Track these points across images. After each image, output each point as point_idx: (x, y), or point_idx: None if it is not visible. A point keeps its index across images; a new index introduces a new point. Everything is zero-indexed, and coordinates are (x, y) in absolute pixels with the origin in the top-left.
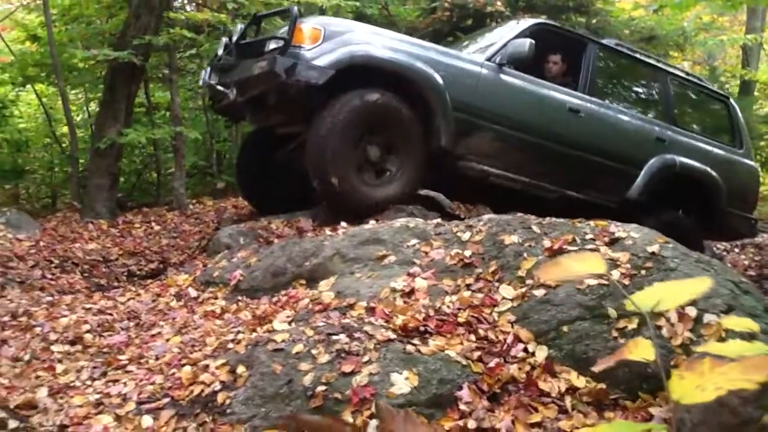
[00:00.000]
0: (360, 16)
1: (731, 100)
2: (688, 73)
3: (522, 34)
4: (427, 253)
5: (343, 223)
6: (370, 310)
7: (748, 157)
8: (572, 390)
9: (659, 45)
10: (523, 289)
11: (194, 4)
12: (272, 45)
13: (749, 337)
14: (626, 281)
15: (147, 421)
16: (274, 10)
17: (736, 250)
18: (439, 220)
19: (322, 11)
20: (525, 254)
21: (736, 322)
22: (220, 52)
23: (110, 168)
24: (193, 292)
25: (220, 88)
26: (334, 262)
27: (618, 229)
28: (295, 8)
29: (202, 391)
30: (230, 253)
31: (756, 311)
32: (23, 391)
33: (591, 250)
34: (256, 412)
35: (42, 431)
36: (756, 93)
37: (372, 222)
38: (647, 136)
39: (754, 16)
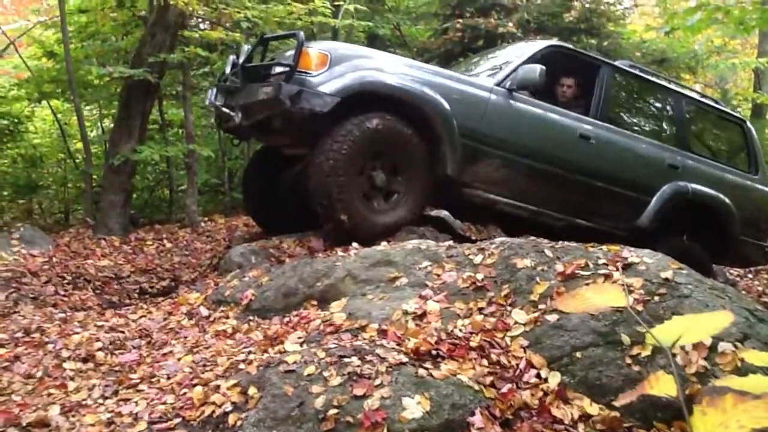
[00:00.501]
0: (372, 37)
1: (747, 124)
2: (703, 95)
3: (533, 57)
4: (439, 275)
5: (355, 244)
6: (382, 333)
7: (764, 182)
8: (585, 417)
9: (671, 67)
10: (536, 314)
11: (208, 22)
12: (278, 69)
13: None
14: (640, 307)
15: None
16: (281, 33)
17: (750, 276)
18: (450, 242)
19: (335, 31)
20: (537, 278)
21: (755, 356)
22: (228, 69)
23: (124, 184)
24: (204, 311)
25: (225, 110)
26: (346, 283)
27: (631, 254)
28: (302, 33)
29: (213, 411)
30: (242, 272)
31: None
32: (35, 409)
33: (604, 275)
34: None
35: None
36: None
37: (384, 243)
38: (660, 162)
39: (766, 40)
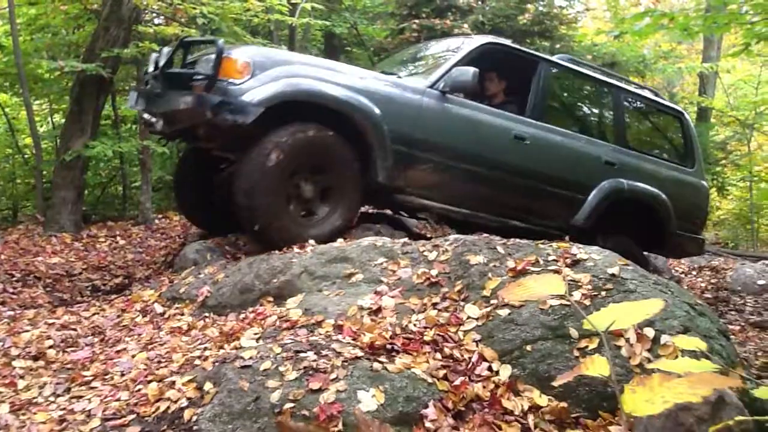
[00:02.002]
0: (329, 36)
1: (686, 116)
2: (642, 87)
3: (468, 56)
4: (394, 271)
5: (311, 241)
6: (338, 328)
7: (699, 176)
8: (535, 408)
9: (620, 71)
10: (488, 309)
11: (163, 18)
12: (201, 75)
13: (701, 355)
14: (587, 302)
15: None
16: (201, 38)
17: (694, 273)
18: (406, 239)
19: (292, 29)
20: (490, 274)
21: (686, 341)
22: (151, 69)
23: (75, 181)
24: (159, 308)
25: (146, 116)
26: (302, 279)
27: (580, 251)
28: (221, 41)
29: (169, 407)
30: (197, 269)
31: (711, 333)
32: None
33: (554, 271)
34: (224, 429)
35: None
36: (712, 119)
37: (340, 240)
38: (596, 160)
39: (710, 46)
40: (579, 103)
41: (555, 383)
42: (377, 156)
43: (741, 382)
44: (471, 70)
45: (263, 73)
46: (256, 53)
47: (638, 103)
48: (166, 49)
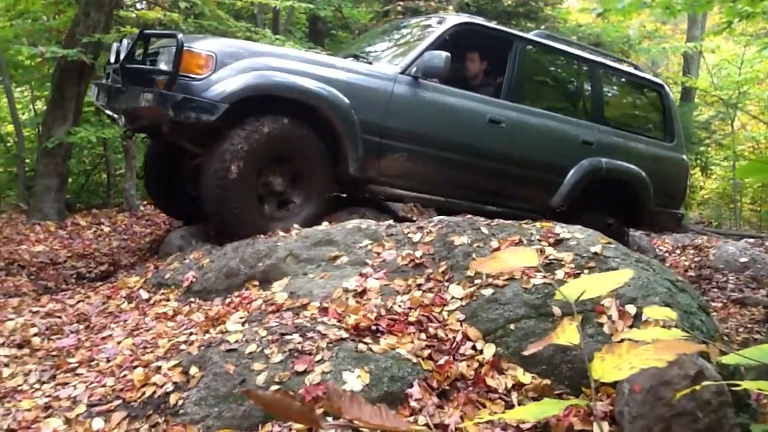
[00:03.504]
0: (314, 19)
1: (666, 89)
2: (620, 60)
3: (441, 38)
4: (378, 253)
5: (296, 224)
6: (323, 310)
7: (679, 150)
8: (518, 386)
9: (606, 51)
10: (472, 289)
11: (145, 2)
12: (161, 71)
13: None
14: (569, 280)
15: (98, 423)
16: (161, 31)
17: (678, 251)
18: (390, 221)
19: (276, 13)
20: (474, 255)
21: (656, 311)
22: (112, 60)
23: (59, 168)
24: (144, 294)
25: (108, 112)
26: (287, 263)
27: (563, 230)
28: (181, 35)
29: (155, 392)
30: (182, 255)
31: (691, 308)
32: None
33: (537, 250)
34: (209, 412)
35: None
36: (696, 99)
37: (325, 224)
38: (573, 140)
39: (694, 26)
40: (556, 81)
41: (525, 352)
42: (347, 147)
43: (714, 350)
44: (443, 55)
45: (227, 67)
46: (219, 46)
47: (617, 77)
48: (125, 41)
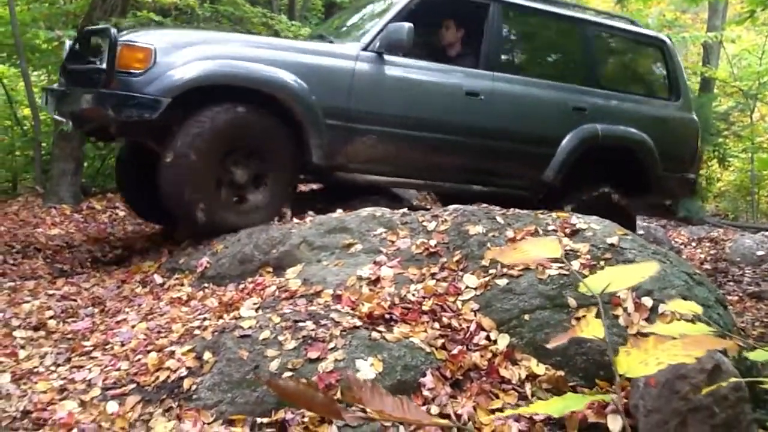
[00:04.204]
0: (330, 5)
1: (668, 43)
2: (615, 16)
3: (406, 9)
4: (393, 242)
5: (310, 212)
6: (337, 298)
7: (686, 109)
8: (532, 377)
9: None
10: (487, 279)
11: None
12: (98, 69)
13: (697, 320)
14: (585, 271)
15: (112, 406)
16: (98, 27)
17: (693, 244)
18: (405, 209)
19: (292, 1)
20: (489, 244)
21: (682, 305)
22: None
23: (74, 152)
24: (158, 279)
25: (57, 117)
26: (301, 250)
27: (579, 220)
28: (113, 29)
29: (168, 377)
30: (196, 240)
31: (708, 302)
32: None
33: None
34: (223, 398)
35: (5, 417)
36: (715, 90)
37: (339, 211)
38: (563, 107)
39: (715, 15)
40: (540, 45)
41: (549, 345)
42: (309, 135)
43: (735, 346)
44: (405, 26)
45: (168, 58)
46: (158, 37)
47: (610, 35)
48: (68, 42)
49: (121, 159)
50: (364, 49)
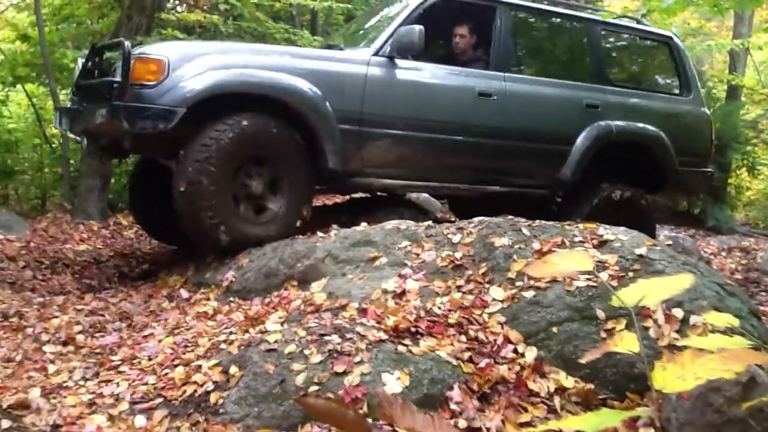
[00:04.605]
0: (351, 18)
1: (675, 40)
2: (622, 16)
3: (414, 14)
4: (418, 254)
5: (335, 225)
6: (362, 311)
7: (698, 103)
8: (561, 390)
9: None
10: (513, 291)
11: (185, 5)
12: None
13: (734, 333)
14: (614, 283)
15: (140, 420)
16: (111, 41)
17: (723, 254)
18: (430, 222)
19: (314, 14)
20: (515, 256)
21: (718, 317)
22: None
23: (102, 169)
24: (185, 294)
25: (72, 136)
26: (326, 263)
27: (606, 231)
28: (127, 42)
29: (195, 391)
30: (222, 255)
31: (741, 313)
32: (16, 392)
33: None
34: (249, 412)
35: (35, 431)
36: (743, 98)
37: (363, 224)
38: (576, 104)
39: (741, 22)
40: (549, 45)
41: (583, 360)
42: (324, 140)
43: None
44: (416, 29)
45: (181, 69)
46: (171, 49)
47: (618, 34)
48: (80, 60)
49: (133, 180)
50: (376, 54)
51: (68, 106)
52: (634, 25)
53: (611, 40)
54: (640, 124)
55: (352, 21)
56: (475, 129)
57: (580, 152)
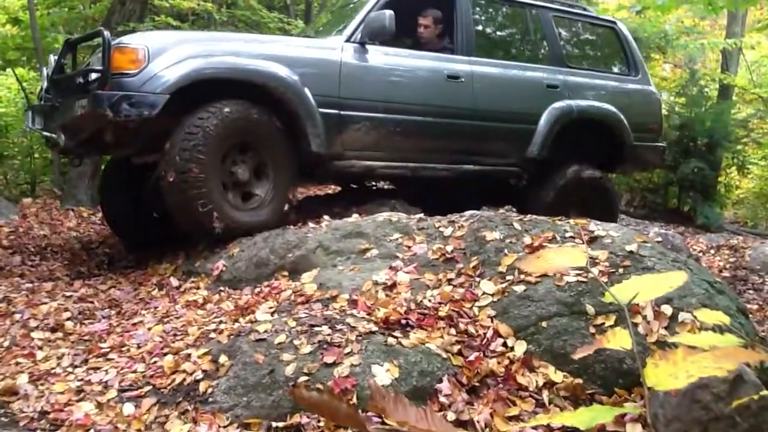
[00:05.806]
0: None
1: (619, 25)
2: (570, 4)
3: (381, 2)
4: (409, 247)
5: (326, 216)
6: (353, 303)
7: (646, 82)
8: (550, 384)
9: (641, 47)
10: (504, 285)
11: None
12: (94, 75)
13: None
14: (604, 279)
15: (128, 408)
16: (86, 34)
17: (712, 251)
18: (421, 215)
19: (309, 3)
20: (506, 250)
21: (709, 315)
22: (44, 84)
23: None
24: (174, 282)
25: (46, 134)
26: (317, 254)
27: (597, 227)
28: (107, 32)
29: (184, 379)
30: (212, 244)
31: (730, 310)
32: (3, 378)
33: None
34: (238, 401)
35: (23, 417)
36: (734, 97)
37: (355, 216)
38: (537, 85)
39: (734, 21)
40: (507, 30)
41: (575, 356)
42: (306, 124)
43: (765, 358)
44: (386, 13)
45: (162, 58)
46: (151, 38)
47: (569, 19)
48: (52, 57)
49: (105, 179)
50: (348, 40)
51: (40, 104)
52: (581, 11)
53: (563, 24)
54: (597, 103)
55: (325, 10)
56: (447, 110)
57: (545, 130)
